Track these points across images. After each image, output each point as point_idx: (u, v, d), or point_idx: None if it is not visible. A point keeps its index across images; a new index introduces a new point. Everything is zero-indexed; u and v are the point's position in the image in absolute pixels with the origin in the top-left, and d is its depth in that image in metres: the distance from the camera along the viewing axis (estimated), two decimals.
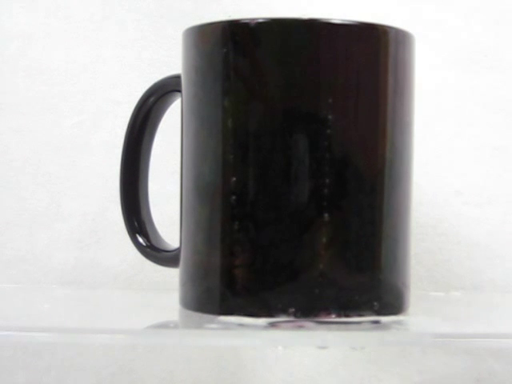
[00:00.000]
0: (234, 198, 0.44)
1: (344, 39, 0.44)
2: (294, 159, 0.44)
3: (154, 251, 0.51)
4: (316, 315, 0.44)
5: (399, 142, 0.46)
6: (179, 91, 0.49)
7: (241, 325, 0.44)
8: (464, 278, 0.63)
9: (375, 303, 0.45)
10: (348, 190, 0.44)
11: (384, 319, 0.45)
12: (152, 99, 0.51)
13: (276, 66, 0.44)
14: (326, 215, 0.44)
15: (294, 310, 0.44)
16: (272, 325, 0.43)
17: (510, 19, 0.63)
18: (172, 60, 0.63)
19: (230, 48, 0.45)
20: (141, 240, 0.52)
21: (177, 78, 0.49)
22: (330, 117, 0.44)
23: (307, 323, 0.44)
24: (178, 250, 0.49)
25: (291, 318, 0.44)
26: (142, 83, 0.55)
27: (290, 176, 0.44)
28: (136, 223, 0.52)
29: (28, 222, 0.64)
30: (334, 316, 0.44)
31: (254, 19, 0.44)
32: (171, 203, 0.55)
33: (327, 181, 0.44)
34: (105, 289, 0.63)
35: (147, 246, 0.51)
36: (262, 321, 0.44)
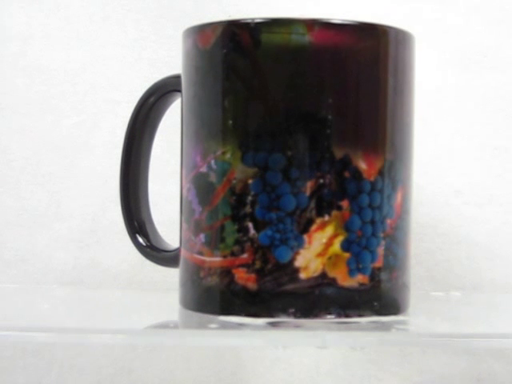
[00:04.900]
0: (234, 198, 0.44)
1: (344, 39, 0.44)
2: (294, 159, 0.44)
3: (153, 251, 0.51)
4: (316, 315, 0.44)
5: (399, 142, 0.46)
6: (179, 91, 0.49)
7: (241, 325, 0.44)
8: (464, 278, 0.63)
9: (375, 303, 0.45)
10: (348, 190, 0.44)
11: (384, 319, 0.45)
12: (152, 99, 0.51)
13: (276, 66, 0.44)
14: (326, 215, 0.44)
15: (293, 310, 0.44)
16: (272, 325, 0.43)
17: (510, 19, 0.63)
18: (172, 60, 0.63)
19: (230, 48, 0.45)
20: (141, 240, 0.52)
21: (177, 77, 0.49)
22: (329, 117, 0.44)
23: (306, 323, 0.44)
24: (178, 249, 0.49)
25: (291, 319, 0.44)
26: (141, 83, 0.55)
27: (290, 176, 0.44)
28: (136, 223, 0.52)
29: (28, 222, 0.64)
30: (333, 316, 0.44)
31: (254, 19, 0.44)
32: (171, 203, 0.55)
33: (327, 181, 0.44)
34: (105, 289, 0.63)
35: (147, 246, 0.51)
36: (262, 321, 0.44)
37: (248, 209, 0.44)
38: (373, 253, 0.45)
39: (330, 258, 0.44)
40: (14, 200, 0.64)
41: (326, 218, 0.44)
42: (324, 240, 0.44)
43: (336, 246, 0.44)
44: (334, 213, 0.44)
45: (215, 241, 0.45)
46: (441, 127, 0.63)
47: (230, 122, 0.45)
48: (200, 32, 0.46)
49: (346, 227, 0.44)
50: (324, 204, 0.44)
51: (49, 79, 0.64)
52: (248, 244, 0.44)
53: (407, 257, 0.47)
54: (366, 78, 0.45)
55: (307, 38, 0.44)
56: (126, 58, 0.64)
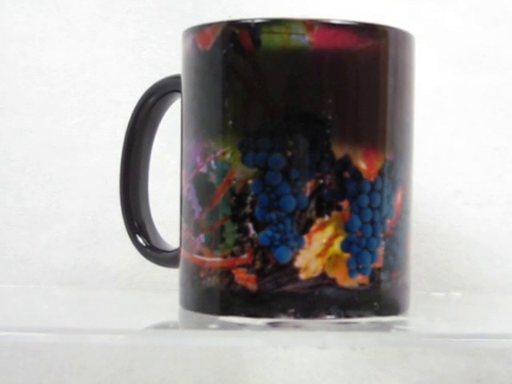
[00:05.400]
0: (234, 198, 0.44)
1: (344, 39, 0.44)
2: (294, 159, 0.44)
3: (153, 251, 0.51)
4: (316, 316, 0.44)
5: (399, 142, 0.46)
6: (179, 91, 0.49)
7: (241, 325, 0.44)
8: (464, 279, 0.63)
9: (375, 303, 0.45)
10: (348, 190, 0.44)
11: (384, 319, 0.45)
12: (152, 99, 0.51)
13: (276, 67, 0.44)
14: (326, 215, 0.44)
15: (293, 310, 0.44)
16: (272, 325, 0.43)
17: (509, 19, 0.63)
18: (172, 60, 0.63)
19: (229, 48, 0.45)
20: (141, 240, 0.52)
21: (177, 78, 0.49)
22: (329, 117, 0.44)
23: (306, 323, 0.44)
24: (178, 250, 0.49)
25: (291, 319, 0.44)
26: (141, 83, 0.55)
27: (289, 176, 0.44)
28: (136, 223, 0.52)
29: (28, 223, 0.64)
30: (333, 316, 0.44)
31: (253, 19, 0.44)
32: (171, 203, 0.55)
33: (327, 181, 0.44)
34: (105, 289, 0.63)
35: (147, 247, 0.51)
36: (262, 321, 0.44)
37: (248, 209, 0.44)
38: (373, 253, 0.45)
39: (329, 258, 0.44)
40: (14, 200, 0.64)
41: (326, 218, 0.44)
42: (324, 240, 0.44)
43: (336, 247, 0.44)
44: (334, 213, 0.44)
45: (215, 241, 0.45)
46: (441, 127, 0.63)
47: (230, 122, 0.45)
48: (200, 32, 0.46)
49: (346, 227, 0.44)
50: (324, 204, 0.44)
51: (49, 79, 0.64)
52: (248, 244, 0.44)
53: (407, 257, 0.47)
54: (365, 78, 0.45)
55: (307, 38, 0.44)
56: (126, 58, 0.64)
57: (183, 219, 0.47)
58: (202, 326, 0.43)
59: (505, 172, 0.63)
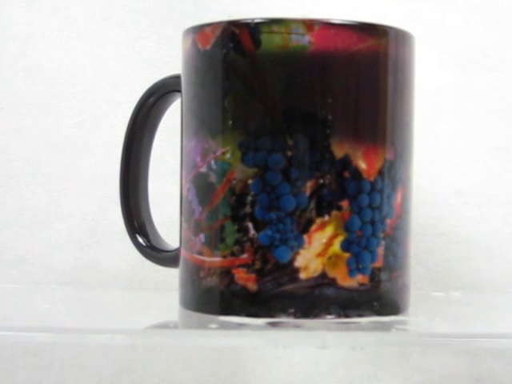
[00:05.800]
0: (233, 198, 0.44)
1: (344, 39, 0.44)
2: (294, 159, 0.44)
3: (153, 251, 0.51)
4: (316, 315, 0.44)
5: (399, 141, 0.46)
6: (179, 91, 0.49)
7: (241, 325, 0.44)
8: (464, 278, 0.63)
9: (375, 303, 0.45)
10: (348, 190, 0.44)
11: (384, 319, 0.45)
12: (152, 99, 0.51)
13: (276, 66, 0.44)
14: (326, 215, 0.44)
15: (293, 310, 0.44)
16: (272, 325, 0.43)
17: (510, 19, 0.63)
18: (172, 60, 0.63)
19: (229, 48, 0.45)
20: (141, 240, 0.52)
21: (177, 78, 0.49)
22: (329, 117, 0.44)
23: (306, 323, 0.44)
24: (178, 250, 0.49)
25: (291, 319, 0.44)
26: (141, 83, 0.55)
27: (289, 176, 0.44)
28: (136, 223, 0.52)
29: (28, 222, 0.64)
30: (333, 316, 0.44)
31: (253, 19, 0.45)
32: (171, 203, 0.55)
33: (327, 181, 0.44)
34: (105, 289, 0.63)
35: (147, 246, 0.51)
36: (262, 321, 0.44)
37: (248, 209, 0.44)
38: (373, 253, 0.45)
39: (329, 258, 0.44)
40: (14, 200, 0.64)
41: (326, 218, 0.44)
42: (324, 240, 0.44)
43: (336, 246, 0.44)
44: (334, 213, 0.44)
45: (215, 241, 0.45)
46: (441, 127, 0.63)
47: (230, 122, 0.45)
48: (200, 32, 0.46)
49: (346, 227, 0.44)
50: (324, 204, 0.44)
51: (49, 79, 0.64)
52: (248, 244, 0.44)
53: (407, 257, 0.47)
54: (365, 77, 0.45)
55: (307, 37, 0.44)
56: (125, 58, 0.64)
57: (183, 219, 0.47)
58: (202, 326, 0.43)
59: (505, 172, 0.63)
